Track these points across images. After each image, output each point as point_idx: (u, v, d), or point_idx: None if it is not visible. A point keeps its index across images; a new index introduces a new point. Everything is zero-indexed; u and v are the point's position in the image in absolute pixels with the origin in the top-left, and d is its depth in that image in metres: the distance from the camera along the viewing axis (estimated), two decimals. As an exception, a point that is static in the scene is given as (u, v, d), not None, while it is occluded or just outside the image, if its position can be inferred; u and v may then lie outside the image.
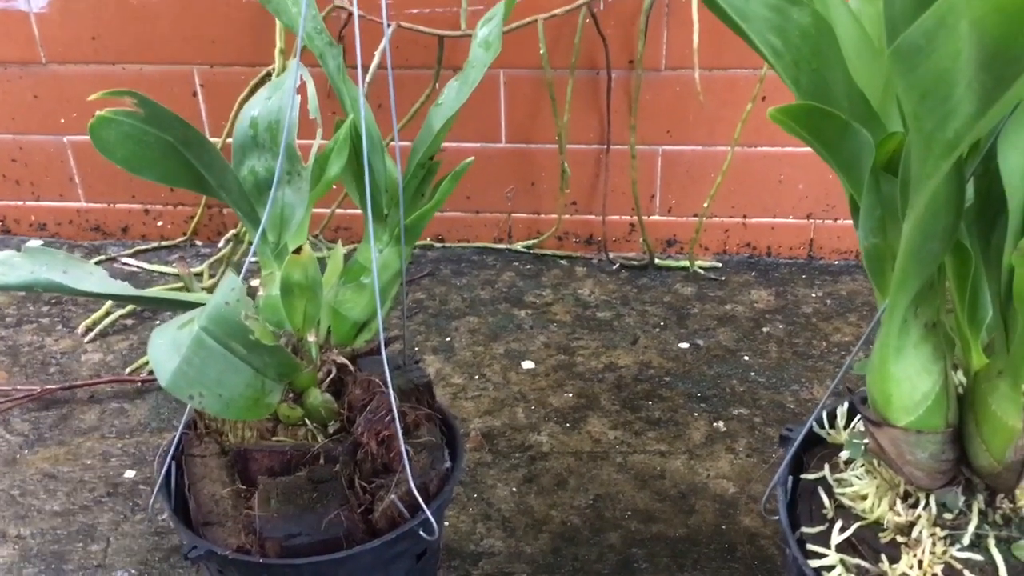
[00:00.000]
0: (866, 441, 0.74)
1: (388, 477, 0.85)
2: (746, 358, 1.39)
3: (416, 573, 0.89)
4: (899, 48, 0.50)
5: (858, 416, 0.84)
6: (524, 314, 1.52)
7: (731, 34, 0.67)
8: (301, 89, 0.88)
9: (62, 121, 1.64)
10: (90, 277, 0.85)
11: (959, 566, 0.69)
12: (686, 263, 1.63)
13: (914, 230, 0.60)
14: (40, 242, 1.74)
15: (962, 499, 0.71)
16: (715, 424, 1.25)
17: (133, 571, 1.04)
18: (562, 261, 1.67)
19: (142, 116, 0.82)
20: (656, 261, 1.64)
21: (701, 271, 1.62)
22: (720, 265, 1.65)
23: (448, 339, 1.45)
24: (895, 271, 0.64)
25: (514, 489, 1.15)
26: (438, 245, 1.71)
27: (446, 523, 1.09)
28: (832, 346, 1.42)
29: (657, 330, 1.47)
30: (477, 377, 1.36)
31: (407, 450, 0.84)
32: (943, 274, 0.69)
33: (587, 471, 1.18)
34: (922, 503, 0.72)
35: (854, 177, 0.67)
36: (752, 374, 1.36)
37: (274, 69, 1.52)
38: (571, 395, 1.32)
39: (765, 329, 1.46)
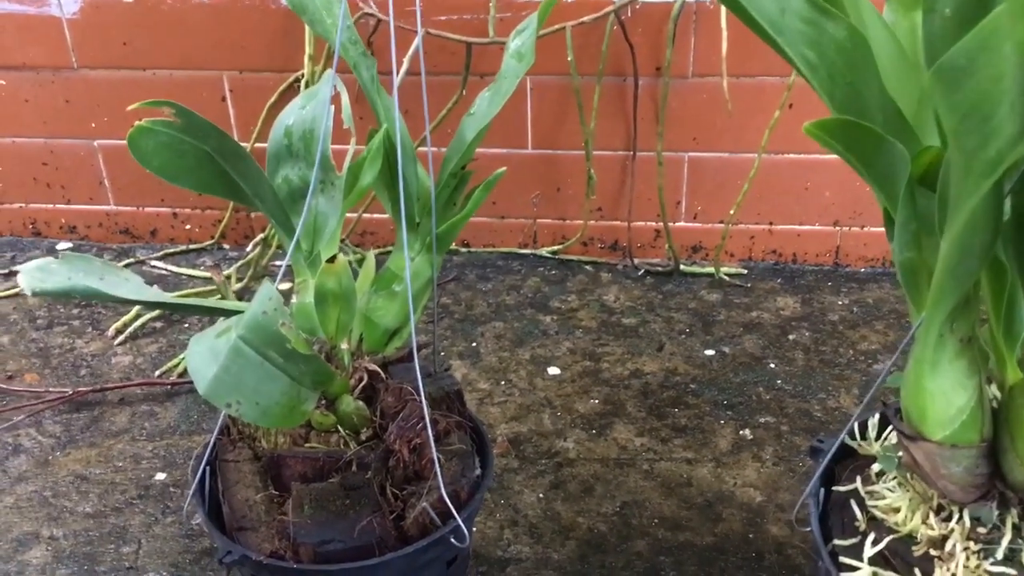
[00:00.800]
0: (900, 454, 0.74)
1: (420, 484, 0.86)
2: (772, 365, 1.39)
3: (446, 579, 0.90)
4: (941, 68, 0.50)
5: (890, 427, 0.84)
6: (549, 320, 1.52)
7: (759, 41, 0.67)
8: (335, 99, 0.89)
9: (93, 125, 1.66)
10: (126, 283, 0.87)
11: (993, 581, 0.69)
12: (711, 270, 1.63)
13: (951, 247, 0.60)
14: (69, 244, 1.76)
15: (996, 513, 0.71)
16: (741, 432, 1.26)
17: (165, 573, 1.05)
18: (587, 267, 1.68)
19: (179, 126, 0.83)
20: (681, 267, 1.64)
21: (727, 278, 1.62)
22: (746, 272, 1.64)
23: (474, 344, 1.46)
24: (931, 287, 0.64)
25: (541, 495, 1.15)
26: (463, 250, 1.72)
27: (474, 529, 1.09)
28: (859, 354, 1.41)
29: (683, 337, 1.47)
30: (503, 383, 1.37)
31: (438, 457, 0.84)
32: (978, 288, 0.69)
33: (613, 478, 1.18)
34: (955, 517, 0.72)
35: (889, 191, 0.67)
36: (778, 382, 1.35)
37: (303, 75, 1.53)
38: (597, 401, 1.32)
39: (791, 336, 1.46)
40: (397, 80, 1.45)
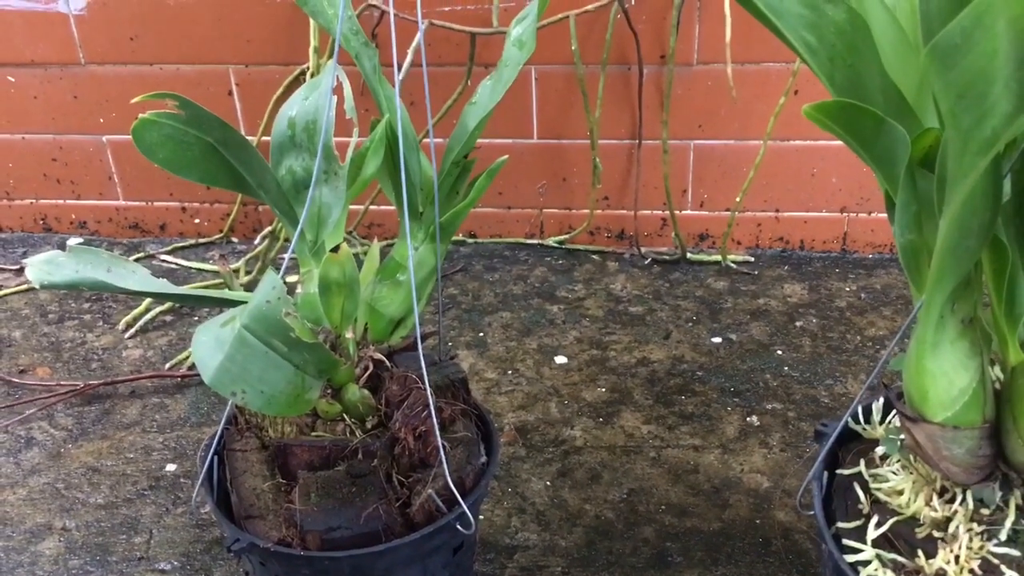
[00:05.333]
0: (902, 437, 0.75)
1: (425, 472, 0.86)
2: (779, 352, 1.39)
3: (453, 566, 0.90)
4: (936, 47, 0.50)
5: (893, 411, 0.84)
6: (556, 309, 1.52)
7: (763, 28, 0.67)
8: (337, 89, 0.89)
9: (101, 121, 1.67)
10: (133, 275, 0.87)
11: (996, 561, 0.69)
12: (718, 257, 1.63)
13: (951, 227, 0.60)
14: (80, 240, 1.77)
15: (999, 494, 0.71)
16: (748, 418, 1.26)
17: (175, 563, 1.06)
18: (594, 256, 1.68)
19: (183, 118, 0.83)
20: (688, 255, 1.64)
21: (733, 265, 1.62)
22: (752, 259, 1.64)
23: (481, 334, 1.46)
24: (932, 267, 0.64)
25: (548, 483, 1.16)
26: (470, 241, 1.72)
27: (481, 517, 1.10)
28: (866, 340, 1.41)
29: (690, 324, 1.47)
30: (510, 372, 1.37)
31: (444, 445, 0.85)
32: (980, 269, 0.69)
33: (620, 465, 1.18)
34: (959, 498, 0.73)
35: (889, 173, 0.67)
36: (785, 368, 1.35)
37: (308, 68, 1.54)
38: (604, 390, 1.33)
39: (798, 323, 1.46)
40: (400, 73, 1.46)
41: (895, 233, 0.70)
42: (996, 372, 0.74)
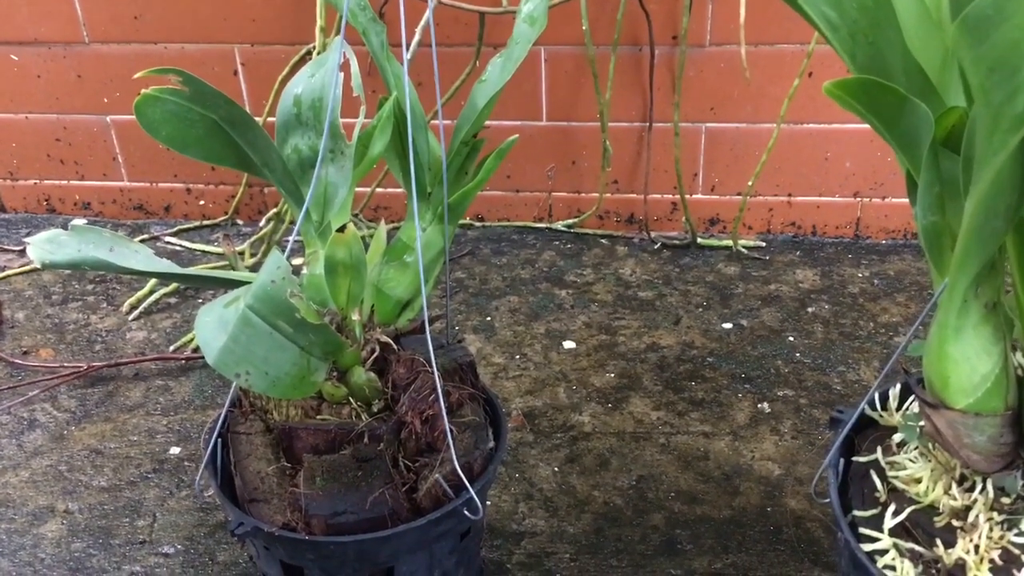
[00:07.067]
0: (921, 423, 0.73)
1: (432, 456, 0.85)
2: (791, 339, 1.37)
3: (459, 552, 0.89)
4: (967, 19, 0.48)
5: (911, 398, 0.82)
6: (565, 294, 1.51)
7: (778, 8, 0.65)
8: (344, 66, 0.87)
9: (105, 101, 1.65)
10: (136, 255, 0.86)
11: (1017, 551, 0.68)
12: (729, 242, 1.61)
13: (977, 208, 0.58)
14: (84, 221, 1.76)
15: (1020, 483, 0.70)
16: (760, 405, 1.24)
17: (179, 546, 1.05)
18: (603, 240, 1.66)
19: (187, 94, 0.82)
20: (699, 240, 1.62)
21: (745, 251, 1.60)
22: (764, 244, 1.62)
23: (488, 319, 1.45)
24: (956, 250, 0.63)
25: (556, 469, 1.14)
26: (478, 224, 1.70)
27: (488, 502, 1.08)
28: (879, 327, 1.39)
29: (700, 310, 1.45)
30: (518, 357, 1.36)
31: (451, 429, 0.83)
32: (1004, 253, 0.67)
33: (629, 452, 1.17)
34: (979, 487, 0.71)
35: (912, 153, 0.65)
36: (797, 355, 1.34)
37: (314, 47, 1.52)
38: (613, 375, 1.31)
39: (810, 309, 1.44)
40: (408, 52, 1.44)
41: (916, 215, 0.68)
42: (1019, 359, 0.73)
